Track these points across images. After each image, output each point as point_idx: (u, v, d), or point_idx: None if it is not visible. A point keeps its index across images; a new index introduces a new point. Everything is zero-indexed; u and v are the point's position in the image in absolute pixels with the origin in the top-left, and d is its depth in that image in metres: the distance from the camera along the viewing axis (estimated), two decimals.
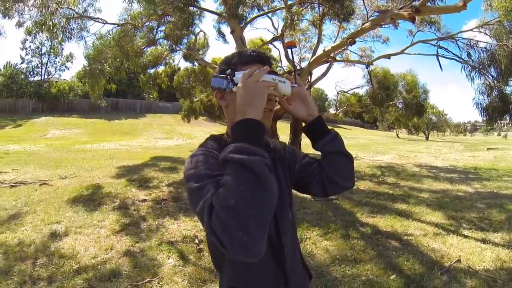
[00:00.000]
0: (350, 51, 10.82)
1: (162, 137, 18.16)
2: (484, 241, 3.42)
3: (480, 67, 6.74)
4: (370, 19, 6.66)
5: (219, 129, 16.75)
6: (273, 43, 10.06)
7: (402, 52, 8.80)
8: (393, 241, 3.39)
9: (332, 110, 23.70)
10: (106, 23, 7.98)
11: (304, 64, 11.13)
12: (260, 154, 0.63)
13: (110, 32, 8.06)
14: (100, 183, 5.52)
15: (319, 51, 8.00)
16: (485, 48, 6.67)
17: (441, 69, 7.48)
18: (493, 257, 3.00)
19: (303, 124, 0.95)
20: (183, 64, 13.49)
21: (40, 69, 27.08)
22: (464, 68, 6.88)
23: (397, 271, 2.69)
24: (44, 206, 4.27)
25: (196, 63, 10.45)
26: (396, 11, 4.96)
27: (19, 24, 7.38)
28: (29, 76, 26.02)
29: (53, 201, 4.48)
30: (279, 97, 0.90)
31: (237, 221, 0.58)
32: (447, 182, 6.90)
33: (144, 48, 8.74)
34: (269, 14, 9.21)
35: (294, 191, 0.98)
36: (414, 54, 8.97)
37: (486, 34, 6.71)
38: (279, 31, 9.20)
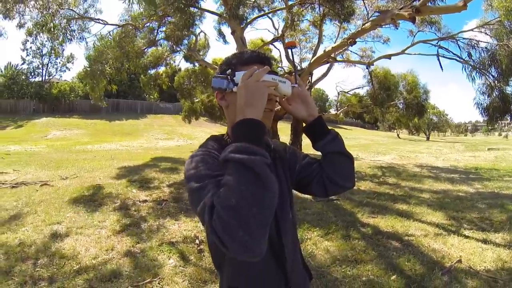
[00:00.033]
0: (351, 51, 10.86)
1: (162, 138, 18.17)
2: (485, 241, 3.41)
3: (481, 67, 6.74)
4: (370, 19, 6.65)
5: (220, 129, 16.73)
6: (273, 43, 10.08)
7: (402, 52, 8.80)
8: (394, 241, 3.39)
9: (332, 111, 23.76)
10: (107, 24, 8.01)
11: (304, 65, 11.14)
12: (260, 153, 0.63)
13: (111, 33, 8.09)
14: (101, 184, 5.53)
15: (320, 52, 8.01)
16: (486, 48, 6.68)
17: (442, 69, 7.46)
18: (494, 258, 2.99)
19: (304, 125, 0.96)
20: (184, 65, 13.53)
21: (41, 70, 27.27)
22: (464, 68, 6.89)
23: (397, 272, 2.68)
24: (45, 207, 4.27)
25: (196, 64, 10.46)
26: (397, 11, 4.96)
27: (20, 25, 7.42)
28: (30, 77, 26.16)
29: (54, 202, 4.48)
30: (279, 97, 0.90)
31: (238, 220, 0.58)
32: (448, 182, 6.89)
33: (145, 48, 8.76)
34: (270, 15, 9.23)
35: (294, 192, 0.98)
36: (415, 54, 8.99)
37: (487, 34, 6.71)
38: (280, 32, 9.20)
